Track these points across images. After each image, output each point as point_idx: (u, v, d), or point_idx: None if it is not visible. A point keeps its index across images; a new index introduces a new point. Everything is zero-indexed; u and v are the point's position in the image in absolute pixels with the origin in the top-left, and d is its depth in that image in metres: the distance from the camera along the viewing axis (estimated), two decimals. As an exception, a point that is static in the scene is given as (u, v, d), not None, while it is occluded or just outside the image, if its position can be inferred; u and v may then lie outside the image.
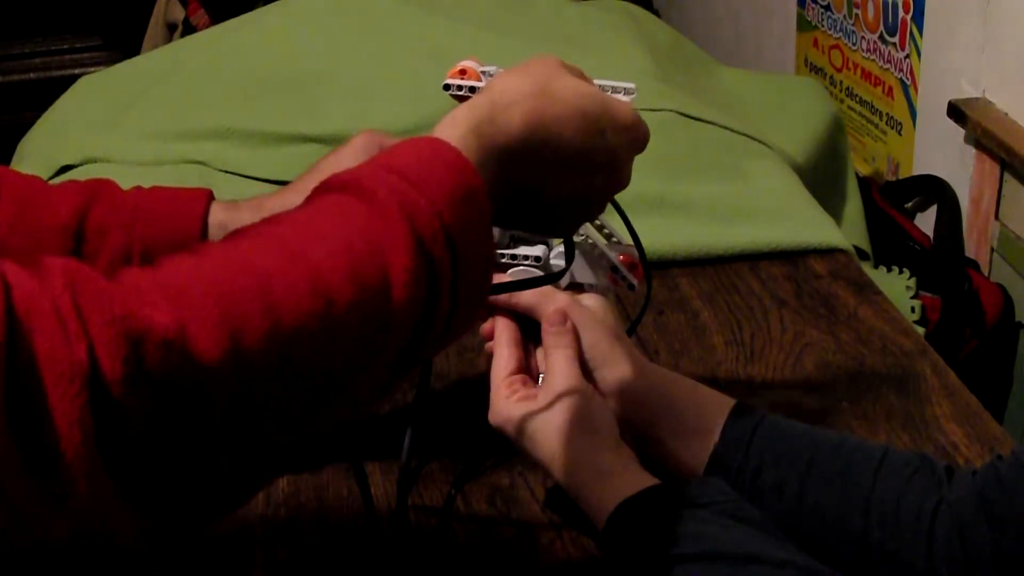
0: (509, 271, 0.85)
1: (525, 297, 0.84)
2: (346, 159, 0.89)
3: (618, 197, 1.42)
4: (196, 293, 0.54)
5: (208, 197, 0.93)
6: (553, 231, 0.75)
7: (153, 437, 0.51)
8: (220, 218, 0.93)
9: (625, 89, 0.78)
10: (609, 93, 0.75)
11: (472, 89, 0.79)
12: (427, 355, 0.65)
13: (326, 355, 0.57)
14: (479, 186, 0.63)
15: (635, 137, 0.72)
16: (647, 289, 0.93)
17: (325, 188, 0.63)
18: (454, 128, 0.66)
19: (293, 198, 0.86)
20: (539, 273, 0.85)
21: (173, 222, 0.92)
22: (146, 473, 0.51)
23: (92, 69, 2.25)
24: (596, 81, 0.76)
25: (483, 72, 0.81)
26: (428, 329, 0.61)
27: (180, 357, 0.51)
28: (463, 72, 0.80)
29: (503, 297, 0.84)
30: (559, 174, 0.69)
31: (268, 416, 0.56)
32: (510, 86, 0.68)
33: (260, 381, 0.54)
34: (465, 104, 0.68)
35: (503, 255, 0.86)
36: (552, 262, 0.86)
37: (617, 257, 0.89)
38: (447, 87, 0.81)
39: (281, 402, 0.56)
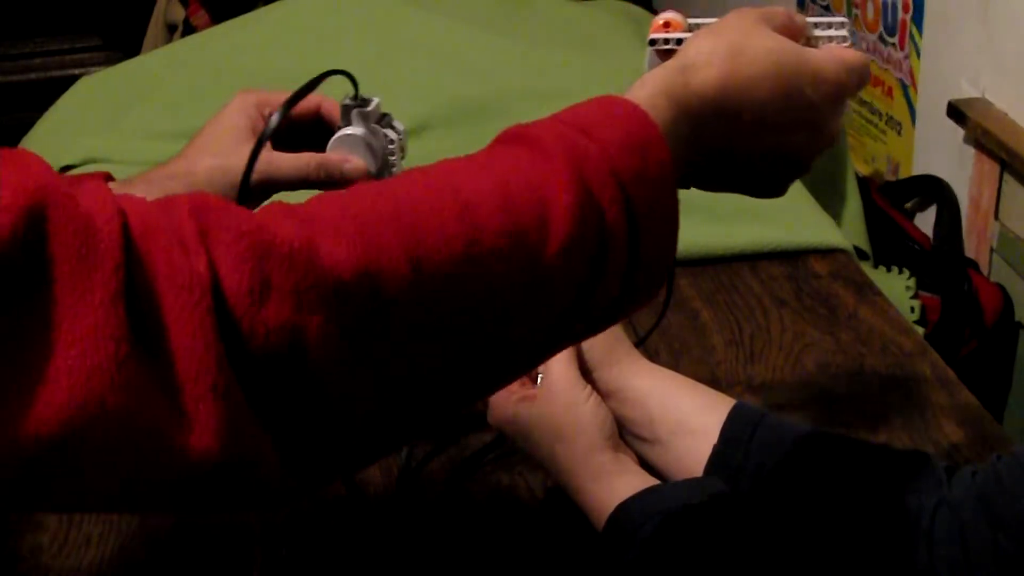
0: None
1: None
2: (226, 122, 0.86)
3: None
4: (327, 213, 0.53)
5: (105, 178, 0.87)
6: (762, 192, 0.71)
7: (281, 356, 0.49)
8: None
9: (837, 24, 0.73)
10: (819, 33, 0.72)
11: (679, 42, 0.73)
12: (605, 320, 0.62)
13: (470, 285, 0.54)
14: (655, 136, 0.60)
15: (839, 89, 0.68)
16: (667, 296, 0.92)
17: (494, 141, 0.61)
18: (642, 89, 0.64)
19: (182, 164, 0.84)
20: None
21: None
22: (276, 398, 0.50)
23: (92, 69, 2.25)
24: (809, 19, 0.71)
25: (691, 24, 0.75)
26: (598, 283, 0.58)
27: (307, 267, 0.50)
28: (667, 25, 0.74)
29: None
30: (757, 135, 0.66)
31: (402, 344, 0.53)
32: (703, 47, 0.66)
33: (395, 302, 0.52)
34: (658, 67, 0.66)
35: None
36: None
37: None
38: (652, 42, 0.74)
39: (418, 331, 0.53)
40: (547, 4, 1.86)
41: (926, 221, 1.99)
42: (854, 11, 2.23)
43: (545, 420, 0.85)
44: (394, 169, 0.87)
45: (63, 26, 3.29)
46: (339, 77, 0.85)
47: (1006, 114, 1.78)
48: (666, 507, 0.79)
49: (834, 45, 0.71)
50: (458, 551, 0.92)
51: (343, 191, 0.56)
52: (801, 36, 0.70)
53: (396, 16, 1.69)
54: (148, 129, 1.59)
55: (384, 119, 0.87)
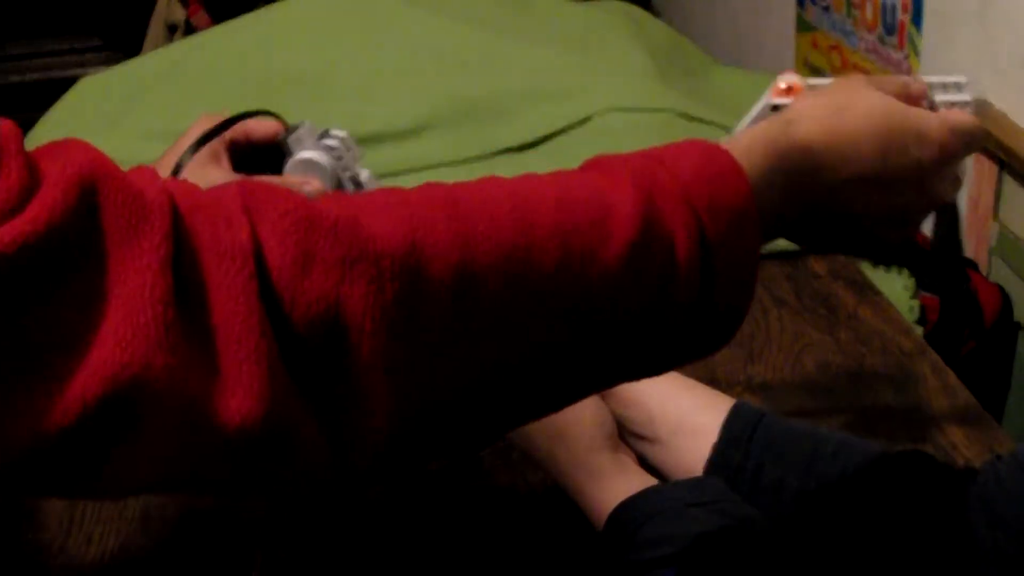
0: None
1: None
2: (187, 145, 0.86)
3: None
4: (375, 197, 0.54)
5: None
6: (867, 252, 0.71)
7: (322, 327, 0.50)
8: None
9: (954, 85, 0.74)
10: (940, 98, 0.72)
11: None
12: (668, 356, 0.60)
13: (519, 279, 0.53)
14: (733, 169, 0.58)
15: (944, 150, 0.67)
16: None
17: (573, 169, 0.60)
18: (743, 138, 0.64)
19: None
20: None
21: None
22: (316, 369, 0.50)
23: (92, 70, 2.25)
24: (926, 79, 0.72)
25: (810, 86, 0.76)
26: (663, 311, 0.56)
27: (351, 240, 0.50)
28: (789, 90, 0.75)
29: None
30: (858, 191, 0.65)
31: (441, 333, 0.52)
32: (808, 102, 0.66)
33: (439, 285, 0.52)
34: (764, 121, 0.66)
35: None
36: None
37: None
38: (775, 108, 0.74)
39: (460, 323, 0.52)
40: (547, 4, 1.87)
41: (925, 221, 1.99)
42: (853, 11, 2.23)
43: (544, 420, 0.85)
44: (349, 174, 0.88)
45: (63, 26, 3.29)
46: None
47: (1005, 115, 1.78)
48: (666, 507, 0.79)
49: (954, 110, 0.71)
50: (458, 551, 0.92)
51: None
52: (921, 101, 0.70)
53: (396, 16, 1.69)
54: (148, 129, 1.59)
55: (324, 134, 0.88)
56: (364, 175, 0.89)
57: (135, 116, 1.63)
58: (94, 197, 0.47)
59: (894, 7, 2.07)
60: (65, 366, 0.45)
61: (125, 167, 1.68)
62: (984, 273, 1.84)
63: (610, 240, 0.55)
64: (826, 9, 2.35)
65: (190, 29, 2.69)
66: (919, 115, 0.67)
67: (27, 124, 1.72)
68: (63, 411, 0.45)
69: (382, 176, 1.53)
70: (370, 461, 0.53)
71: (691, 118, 1.55)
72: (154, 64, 1.78)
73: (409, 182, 1.62)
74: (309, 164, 0.86)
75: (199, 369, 0.47)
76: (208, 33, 1.89)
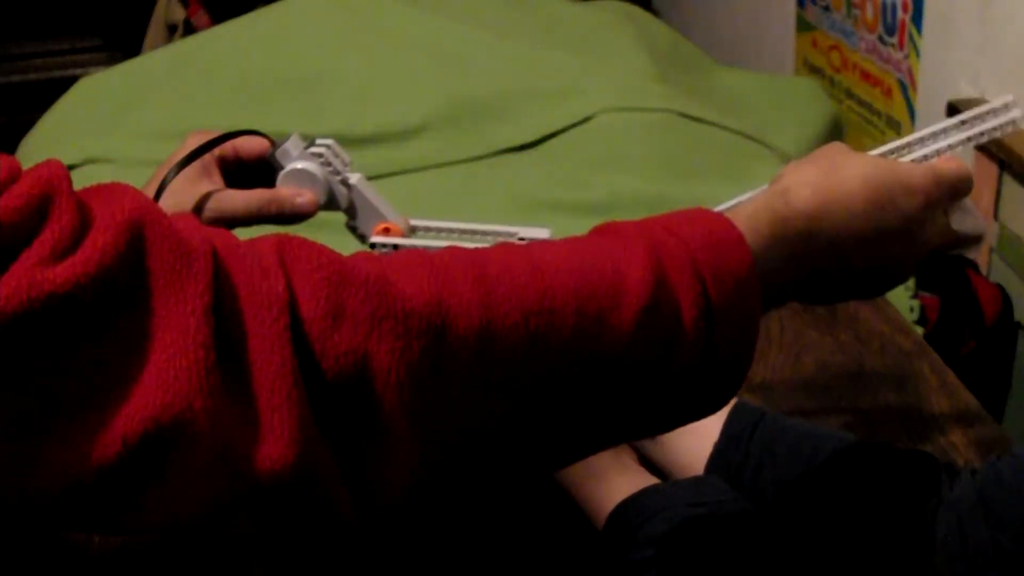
0: None
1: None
2: (179, 178, 0.87)
3: (617, 197, 1.43)
4: (404, 257, 0.56)
5: None
6: (863, 297, 0.74)
7: (349, 380, 0.51)
8: None
9: (1001, 108, 0.77)
10: (984, 121, 0.77)
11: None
12: (671, 415, 0.63)
13: (538, 342, 0.56)
14: (736, 238, 0.62)
15: (928, 199, 0.70)
16: None
17: (585, 234, 0.64)
18: (744, 208, 0.67)
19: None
20: None
21: None
22: (342, 421, 0.52)
23: (92, 69, 2.25)
24: (978, 109, 0.76)
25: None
26: (667, 374, 0.59)
27: (381, 297, 0.52)
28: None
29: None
30: (855, 249, 0.68)
31: (463, 390, 0.54)
32: (799, 170, 0.70)
33: (462, 344, 0.54)
34: (761, 191, 0.70)
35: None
36: None
37: None
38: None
39: (481, 379, 0.55)
40: (547, 4, 1.87)
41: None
42: (853, 11, 2.23)
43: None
44: (339, 178, 0.89)
45: (64, 26, 3.29)
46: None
47: (1005, 114, 1.78)
48: (666, 506, 0.79)
49: (945, 157, 0.75)
50: (458, 550, 0.92)
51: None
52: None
53: (396, 16, 1.69)
54: (148, 129, 1.59)
55: (310, 143, 0.89)
56: (354, 178, 0.90)
57: (135, 116, 1.63)
58: (142, 242, 0.49)
59: (894, 7, 2.07)
60: (109, 403, 0.47)
61: (125, 167, 1.67)
62: (984, 273, 1.84)
63: (622, 305, 0.58)
64: (826, 9, 2.35)
65: (190, 29, 2.69)
66: (904, 168, 0.70)
67: (27, 124, 1.72)
68: (104, 447, 0.46)
69: (382, 176, 1.53)
70: (389, 510, 0.55)
71: (691, 118, 1.55)
72: (154, 64, 1.78)
73: (409, 182, 1.62)
74: (300, 174, 0.88)
75: (234, 413, 0.49)
76: (208, 33, 1.89)
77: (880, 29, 2.14)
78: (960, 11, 1.86)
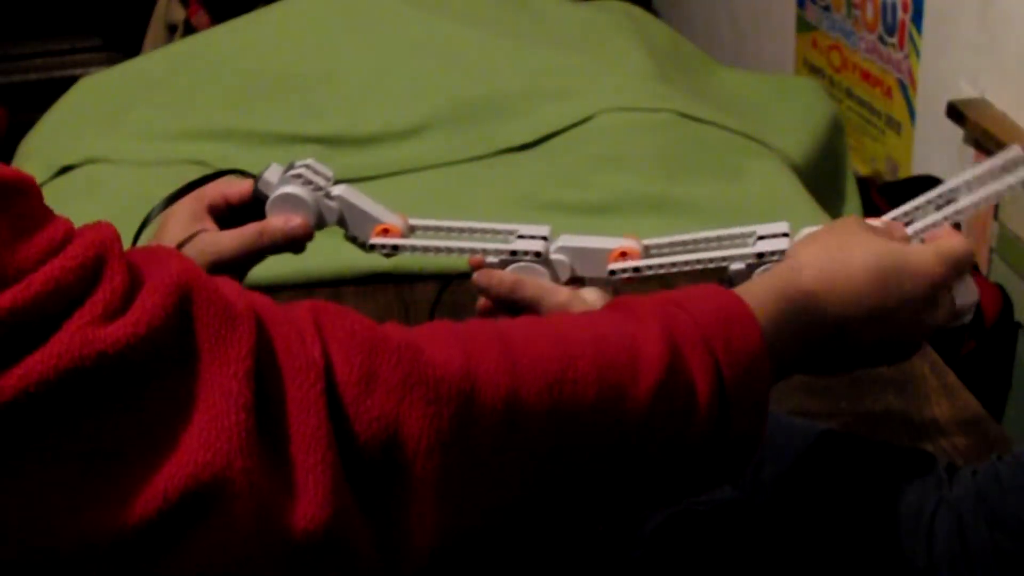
0: (510, 267, 0.86)
1: (526, 292, 0.84)
2: (173, 228, 0.89)
3: (617, 197, 1.43)
4: (432, 328, 0.59)
5: None
6: (865, 367, 0.77)
7: (379, 444, 0.53)
8: None
9: (1011, 162, 0.79)
10: (915, 228, 0.79)
11: (636, 269, 0.83)
12: (690, 484, 0.65)
13: (559, 411, 0.58)
14: (746, 313, 0.65)
15: (934, 281, 0.73)
16: None
17: (600, 309, 0.68)
18: (755, 284, 0.70)
19: None
20: (540, 269, 0.85)
21: None
22: (371, 483, 0.54)
23: (92, 69, 2.25)
24: (913, 204, 0.80)
25: (645, 246, 0.85)
26: (681, 449, 0.62)
27: (412, 365, 0.55)
28: (624, 254, 0.84)
29: (505, 293, 0.84)
30: (862, 328, 0.71)
31: (489, 456, 0.57)
32: (810, 250, 0.73)
33: (489, 412, 0.56)
34: (770, 268, 0.73)
35: (502, 251, 0.86)
36: (552, 257, 0.86)
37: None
38: (612, 272, 0.84)
39: (505, 446, 0.57)
40: (547, 4, 1.87)
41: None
42: (854, 11, 2.23)
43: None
44: (321, 193, 0.89)
45: (64, 26, 3.29)
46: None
47: (1005, 114, 1.78)
48: (668, 504, 0.79)
49: (944, 232, 0.77)
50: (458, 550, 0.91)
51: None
52: (898, 236, 0.77)
53: (396, 16, 1.69)
54: (148, 129, 1.59)
55: (289, 167, 0.89)
56: (338, 190, 0.90)
57: (135, 116, 1.63)
58: (189, 305, 0.51)
59: (894, 7, 2.07)
60: (152, 460, 0.48)
61: (125, 167, 1.67)
62: (984, 273, 1.84)
63: (640, 378, 0.60)
64: (826, 9, 2.35)
65: (190, 29, 2.69)
66: (911, 252, 0.73)
67: (27, 124, 1.72)
68: (146, 502, 0.48)
69: (383, 176, 1.53)
70: (415, 567, 0.57)
71: (691, 118, 1.55)
72: (154, 64, 1.78)
73: (410, 182, 1.62)
74: (286, 199, 0.89)
75: (271, 474, 0.51)
76: (208, 33, 1.89)
77: (880, 29, 2.14)
78: (960, 11, 1.86)
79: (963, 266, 0.75)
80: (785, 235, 0.82)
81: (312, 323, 0.55)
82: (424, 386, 0.55)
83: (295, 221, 0.88)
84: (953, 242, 0.75)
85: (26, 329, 0.47)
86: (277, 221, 0.88)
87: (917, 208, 0.81)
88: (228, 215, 0.89)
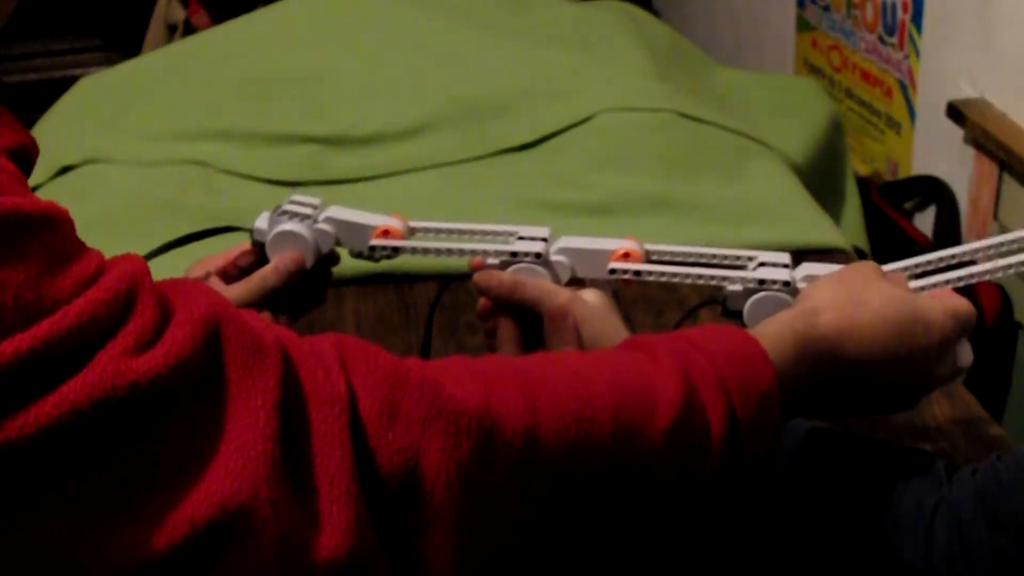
0: (510, 268, 0.86)
1: (527, 293, 0.84)
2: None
3: (617, 197, 1.43)
4: (452, 363, 0.61)
5: None
6: (866, 415, 0.78)
7: (400, 477, 0.55)
8: None
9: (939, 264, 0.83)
10: (917, 284, 0.81)
11: (637, 273, 0.84)
12: (700, 515, 0.67)
13: (577, 449, 0.60)
14: (761, 354, 0.66)
15: (944, 335, 0.74)
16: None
17: (615, 347, 0.69)
18: (772, 325, 0.71)
19: None
20: (541, 270, 0.85)
21: None
22: (391, 514, 0.55)
23: (92, 70, 2.26)
24: (910, 261, 0.82)
25: (646, 251, 0.86)
26: (694, 481, 0.63)
27: (433, 399, 0.56)
28: (627, 255, 0.85)
29: (505, 294, 0.85)
30: (874, 374, 0.72)
31: (507, 492, 0.58)
32: (827, 293, 0.74)
33: (508, 448, 0.57)
34: (788, 310, 0.74)
35: (502, 252, 0.86)
36: (552, 258, 0.86)
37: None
38: (613, 271, 0.85)
39: (524, 482, 0.59)
40: (547, 4, 1.87)
41: (925, 221, 2.00)
42: (853, 11, 2.23)
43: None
44: (314, 223, 0.91)
45: (63, 27, 3.29)
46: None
47: (1005, 114, 1.78)
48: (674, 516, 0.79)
49: (948, 293, 0.78)
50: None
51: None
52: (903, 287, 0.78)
53: (396, 16, 1.69)
54: (148, 129, 1.59)
55: (275, 209, 0.92)
56: (327, 213, 0.92)
57: (135, 116, 1.63)
58: (218, 338, 0.53)
59: (894, 7, 2.07)
60: (180, 488, 0.50)
61: (125, 167, 1.66)
62: (984, 273, 1.84)
63: (656, 418, 0.62)
64: (826, 9, 2.35)
65: (190, 29, 2.69)
66: (925, 305, 0.74)
67: (27, 124, 1.71)
68: (173, 529, 0.49)
69: (383, 176, 1.53)
70: None
71: (691, 118, 1.55)
72: (154, 64, 1.78)
73: (410, 182, 1.62)
74: (282, 237, 0.91)
75: (296, 504, 0.52)
76: (208, 33, 1.89)
77: (880, 29, 2.14)
78: (960, 11, 1.86)
79: (968, 326, 0.76)
80: (786, 266, 0.82)
81: (336, 357, 0.56)
82: (444, 420, 0.56)
83: (286, 256, 0.90)
84: (961, 301, 0.76)
85: (60, 359, 0.48)
86: (272, 263, 0.91)
87: (927, 263, 0.83)
88: (240, 276, 0.92)
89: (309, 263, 0.90)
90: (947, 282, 0.81)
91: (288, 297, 0.91)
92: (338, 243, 0.92)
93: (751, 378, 0.65)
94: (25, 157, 0.62)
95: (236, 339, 0.53)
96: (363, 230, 0.91)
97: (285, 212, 0.91)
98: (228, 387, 0.52)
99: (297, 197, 0.94)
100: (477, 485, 0.57)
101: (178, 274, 0.91)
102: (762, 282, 0.81)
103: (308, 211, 0.92)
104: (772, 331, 0.70)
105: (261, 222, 0.92)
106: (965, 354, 0.78)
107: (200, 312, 0.53)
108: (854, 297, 0.73)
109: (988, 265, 0.81)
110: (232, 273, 0.92)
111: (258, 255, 0.92)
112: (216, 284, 0.91)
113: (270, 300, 0.89)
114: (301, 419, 0.53)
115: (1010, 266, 0.80)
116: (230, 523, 0.50)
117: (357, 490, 0.53)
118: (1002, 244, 0.82)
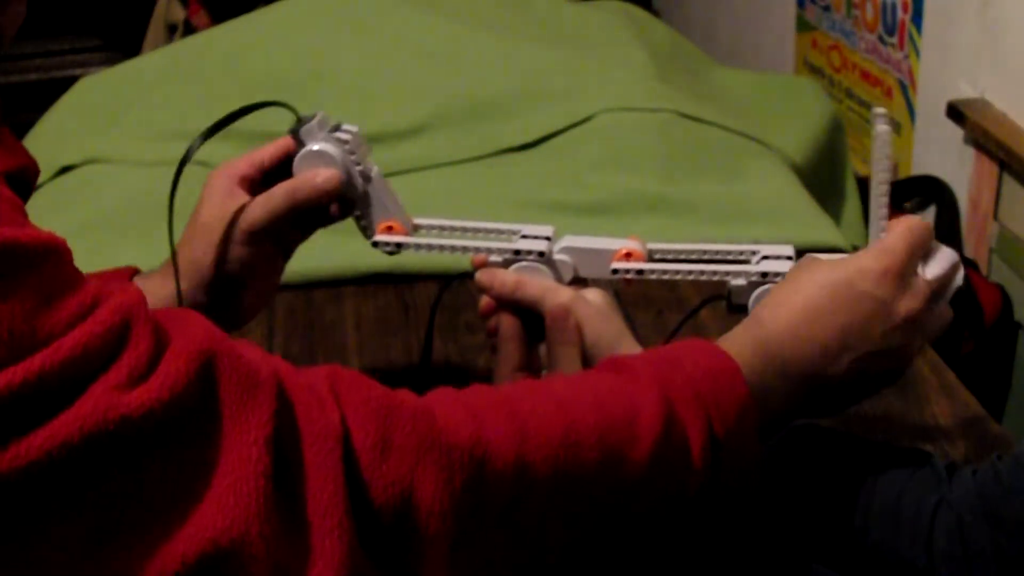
0: (512, 266, 0.86)
1: (529, 291, 0.84)
2: (208, 210, 0.87)
3: (617, 197, 1.43)
4: (442, 397, 0.61)
5: (131, 274, 0.90)
6: (869, 395, 0.78)
7: (394, 508, 0.55)
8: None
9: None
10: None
11: (640, 272, 0.84)
12: (686, 528, 0.68)
13: (564, 473, 0.60)
14: (734, 369, 0.67)
15: (886, 269, 0.72)
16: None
17: (595, 369, 0.70)
18: (734, 337, 0.72)
19: (178, 259, 0.86)
20: (543, 268, 0.85)
21: None
22: (385, 545, 0.55)
23: (92, 70, 2.26)
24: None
25: (649, 250, 0.85)
26: (678, 494, 0.65)
27: (426, 431, 0.56)
28: (629, 255, 0.85)
29: (508, 293, 0.85)
30: (840, 345, 0.71)
31: (498, 521, 0.59)
32: (771, 294, 0.75)
33: (498, 477, 0.58)
34: (742, 323, 0.74)
35: (505, 250, 0.86)
36: (555, 257, 0.86)
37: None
38: (615, 271, 0.85)
39: (514, 511, 0.59)
40: (546, 4, 1.87)
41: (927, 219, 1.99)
42: (853, 11, 2.23)
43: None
44: (359, 167, 0.88)
45: (64, 27, 3.29)
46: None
47: (1005, 115, 1.78)
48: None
49: (894, 220, 0.76)
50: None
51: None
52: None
53: (396, 16, 1.69)
54: (148, 129, 1.59)
55: (336, 128, 0.88)
56: (374, 171, 0.90)
57: (135, 116, 1.63)
58: (212, 371, 0.52)
59: (894, 7, 2.07)
60: (171, 524, 0.49)
61: (125, 167, 1.66)
62: (984, 273, 1.84)
63: (639, 438, 0.63)
64: (826, 9, 2.35)
65: (190, 29, 2.69)
66: (854, 257, 0.73)
67: (27, 124, 1.72)
68: (164, 565, 0.49)
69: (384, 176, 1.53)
70: None
71: (691, 118, 1.55)
72: (154, 64, 1.78)
73: (410, 182, 1.62)
74: (319, 155, 0.86)
75: (288, 539, 0.52)
76: (208, 33, 1.89)
77: (880, 29, 2.14)
78: (960, 11, 1.86)
79: (917, 240, 0.73)
80: (789, 258, 0.82)
81: (329, 389, 0.56)
82: (438, 452, 0.56)
83: (324, 175, 0.85)
84: (898, 228, 0.74)
85: (53, 392, 0.48)
86: (305, 176, 0.85)
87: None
88: (263, 182, 0.87)
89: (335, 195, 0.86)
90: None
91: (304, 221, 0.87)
92: (361, 201, 0.88)
93: (726, 391, 0.66)
94: (24, 180, 0.61)
95: (231, 372, 0.53)
96: (384, 211, 0.90)
97: (344, 140, 0.86)
98: (222, 421, 0.52)
99: (359, 135, 0.88)
100: (470, 515, 0.57)
101: (151, 266, 0.88)
102: (765, 275, 0.81)
103: (360, 156, 0.87)
104: (733, 341, 0.71)
105: (318, 124, 0.86)
106: (943, 258, 0.76)
107: (195, 345, 0.52)
108: (792, 286, 0.73)
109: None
110: (252, 176, 0.86)
111: (288, 153, 0.87)
112: (240, 197, 0.86)
113: (295, 219, 0.85)
114: (294, 453, 0.53)
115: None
116: (222, 559, 0.49)
117: (350, 523, 0.53)
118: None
